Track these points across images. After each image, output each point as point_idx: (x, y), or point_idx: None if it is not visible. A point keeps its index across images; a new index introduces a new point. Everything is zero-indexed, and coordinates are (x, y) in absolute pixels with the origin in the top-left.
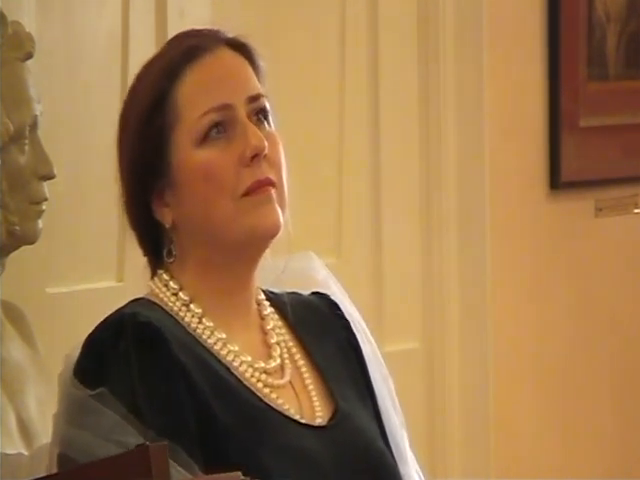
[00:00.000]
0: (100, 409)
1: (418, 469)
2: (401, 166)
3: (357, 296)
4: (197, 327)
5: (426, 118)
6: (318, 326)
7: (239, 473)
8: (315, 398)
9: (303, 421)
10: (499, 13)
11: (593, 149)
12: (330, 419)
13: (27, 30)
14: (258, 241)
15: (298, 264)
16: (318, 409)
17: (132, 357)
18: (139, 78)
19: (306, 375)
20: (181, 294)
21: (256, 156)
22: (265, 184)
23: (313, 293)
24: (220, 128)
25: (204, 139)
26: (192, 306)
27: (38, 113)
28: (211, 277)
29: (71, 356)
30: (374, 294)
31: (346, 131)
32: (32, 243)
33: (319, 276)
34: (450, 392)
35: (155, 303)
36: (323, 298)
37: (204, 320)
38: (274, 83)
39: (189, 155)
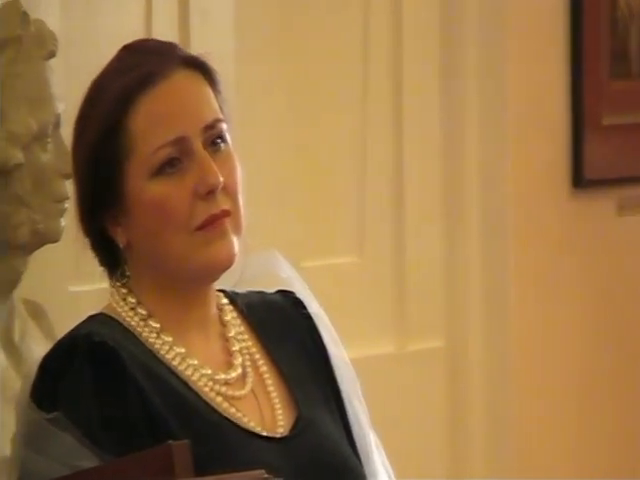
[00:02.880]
0: (55, 433)
1: (388, 467)
2: (423, 164)
3: (379, 295)
4: (155, 342)
5: (448, 117)
6: (282, 326)
7: (263, 471)
8: (278, 407)
9: (264, 433)
10: (521, 12)
11: (616, 147)
12: (292, 428)
13: (50, 28)
14: (211, 274)
15: (261, 262)
16: (280, 418)
17: (86, 379)
18: (91, 101)
19: (269, 382)
20: (139, 309)
21: (211, 192)
22: (220, 217)
23: (278, 291)
24: (175, 161)
25: (158, 172)
26: (150, 321)
27: (61, 112)
28: (167, 295)
29: (29, 376)
30: (396, 293)
31: (369, 130)
32: (55, 241)
33: (283, 274)
34: (473, 391)
35: (113, 318)
36: (287, 297)
37: (162, 335)
38: (297, 84)
39: (142, 188)
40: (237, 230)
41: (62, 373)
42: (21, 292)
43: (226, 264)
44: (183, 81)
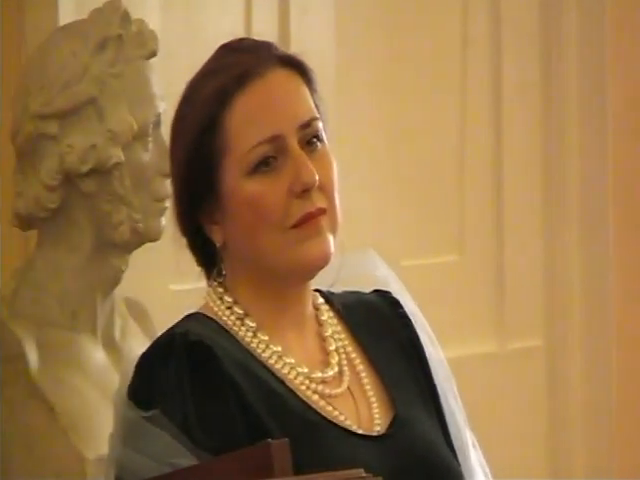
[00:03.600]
0: (153, 431)
1: (485, 466)
2: (523, 163)
3: (478, 293)
4: (252, 341)
5: (548, 114)
6: (378, 326)
7: (361, 470)
8: (374, 405)
9: (360, 432)
10: (622, 11)
11: None
12: (389, 426)
13: (150, 28)
14: (306, 272)
15: (357, 262)
16: (377, 417)
17: (184, 377)
18: (188, 98)
19: (365, 381)
20: (236, 308)
21: (306, 190)
22: (316, 215)
23: (374, 291)
24: (270, 160)
25: (253, 170)
26: (246, 320)
27: (161, 111)
28: (263, 294)
29: (126, 374)
30: (496, 291)
31: (468, 128)
32: (155, 240)
33: (379, 274)
34: (572, 390)
35: (209, 317)
36: (384, 297)
37: (259, 334)
38: (395, 82)
39: (238, 185)
40: (333, 228)
41: (159, 371)
42: (122, 291)
43: (321, 262)
44: (279, 80)
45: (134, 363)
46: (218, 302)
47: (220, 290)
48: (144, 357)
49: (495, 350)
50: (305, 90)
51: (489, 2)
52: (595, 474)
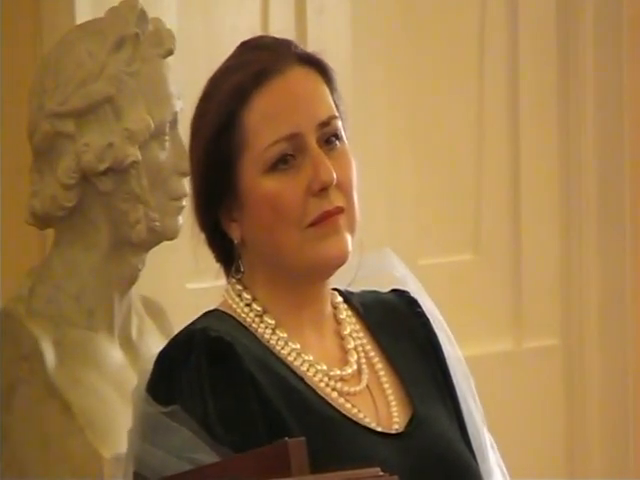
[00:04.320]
0: (172, 426)
1: (502, 466)
2: (540, 162)
3: (495, 292)
4: (270, 338)
5: (565, 114)
6: (396, 325)
7: (378, 469)
8: (393, 403)
9: (379, 429)
10: (639, 10)
11: None
12: (407, 424)
13: (167, 27)
14: (324, 271)
15: (375, 261)
16: (395, 414)
17: (203, 373)
18: (208, 95)
19: (384, 379)
20: (254, 305)
21: (324, 189)
22: (333, 214)
23: (392, 290)
24: (289, 158)
25: (272, 168)
26: (265, 317)
27: (178, 109)
28: (281, 292)
29: (144, 371)
30: (512, 290)
31: (485, 127)
32: (172, 239)
33: (397, 273)
34: (590, 389)
35: (228, 314)
36: (402, 296)
37: (277, 331)
38: (412, 81)
39: (256, 182)
40: (351, 227)
41: (178, 367)
42: (139, 289)
43: (338, 261)
44: (298, 78)
45: (152, 360)
46: (237, 299)
47: (239, 287)
48: (163, 353)
49: (512, 349)
50: (324, 88)
51: (507, 2)
52: (612, 474)
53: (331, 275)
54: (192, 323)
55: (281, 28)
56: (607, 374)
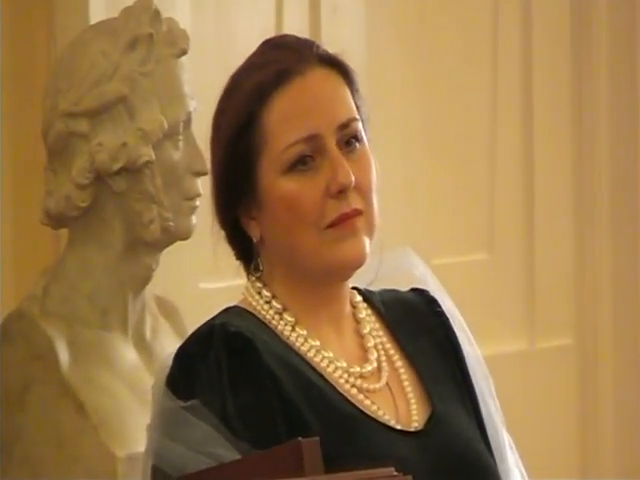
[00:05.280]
0: (192, 421)
1: (521, 467)
2: (553, 161)
3: (509, 291)
4: (290, 335)
5: (579, 113)
6: (416, 324)
7: (392, 469)
8: (412, 401)
9: (398, 427)
10: None
11: None
12: (427, 422)
13: (181, 27)
14: (341, 273)
15: (395, 260)
16: (415, 412)
17: (223, 368)
18: (229, 93)
19: (404, 377)
20: (274, 302)
21: (342, 191)
22: (351, 216)
23: (412, 289)
24: (307, 159)
25: (290, 169)
26: (285, 314)
27: (192, 109)
28: (300, 291)
29: (164, 366)
30: (526, 289)
31: (499, 128)
32: (186, 239)
33: (417, 272)
34: (604, 389)
35: (248, 311)
36: (422, 295)
37: (297, 328)
38: (428, 81)
39: (274, 183)
40: (369, 230)
41: (198, 362)
42: (153, 289)
43: (355, 263)
44: (319, 79)
45: (170, 357)
46: (257, 297)
47: (259, 285)
48: (183, 348)
49: (525, 348)
50: (345, 90)
51: (520, 1)
52: (626, 474)
53: (349, 277)
54: (212, 319)
55: (295, 28)
56: (621, 373)
